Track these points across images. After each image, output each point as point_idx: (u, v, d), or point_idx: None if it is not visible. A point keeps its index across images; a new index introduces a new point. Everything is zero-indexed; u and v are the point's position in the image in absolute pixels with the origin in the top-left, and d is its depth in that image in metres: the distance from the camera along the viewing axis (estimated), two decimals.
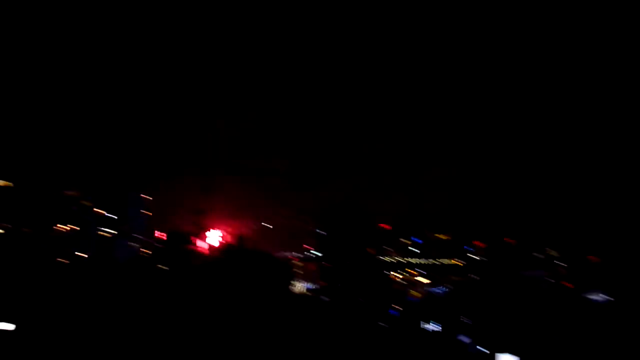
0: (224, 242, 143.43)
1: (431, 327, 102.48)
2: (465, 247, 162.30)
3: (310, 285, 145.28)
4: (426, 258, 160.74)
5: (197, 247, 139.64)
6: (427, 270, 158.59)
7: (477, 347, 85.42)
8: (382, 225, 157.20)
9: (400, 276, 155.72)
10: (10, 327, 59.28)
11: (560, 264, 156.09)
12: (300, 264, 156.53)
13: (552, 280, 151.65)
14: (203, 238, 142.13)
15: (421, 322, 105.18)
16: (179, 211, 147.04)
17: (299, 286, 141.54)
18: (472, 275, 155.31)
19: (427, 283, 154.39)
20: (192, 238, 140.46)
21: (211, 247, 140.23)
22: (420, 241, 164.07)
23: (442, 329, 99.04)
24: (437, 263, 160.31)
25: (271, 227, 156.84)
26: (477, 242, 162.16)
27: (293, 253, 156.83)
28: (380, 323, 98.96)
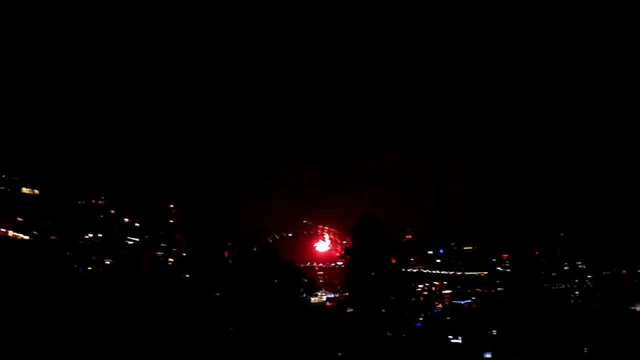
0: (248, 251, 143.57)
1: (454, 340, 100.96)
2: (493, 259, 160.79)
3: (331, 295, 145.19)
4: (451, 269, 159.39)
5: (222, 255, 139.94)
6: (452, 282, 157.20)
7: None
8: (407, 236, 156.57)
9: (423, 287, 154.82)
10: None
11: (588, 276, 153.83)
12: (323, 273, 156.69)
13: (578, 293, 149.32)
14: (228, 247, 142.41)
15: (444, 335, 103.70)
16: (206, 220, 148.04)
17: (320, 296, 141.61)
18: (498, 288, 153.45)
19: (451, 294, 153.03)
20: (217, 247, 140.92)
21: (235, 255, 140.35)
22: (444, 252, 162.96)
23: (465, 342, 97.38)
24: (462, 274, 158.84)
25: (296, 237, 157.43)
26: (504, 255, 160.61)
27: (316, 263, 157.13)
28: (403, 335, 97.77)
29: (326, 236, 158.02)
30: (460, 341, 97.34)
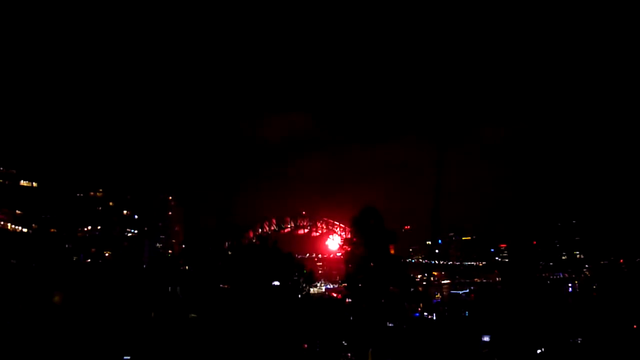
0: (247, 242, 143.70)
1: (454, 329, 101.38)
2: (491, 249, 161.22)
3: (330, 286, 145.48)
4: (449, 260, 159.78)
5: (221, 247, 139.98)
6: (450, 272, 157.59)
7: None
8: (406, 227, 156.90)
9: (422, 277, 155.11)
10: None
11: (586, 265, 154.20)
12: (322, 264, 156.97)
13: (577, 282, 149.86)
14: (228, 239, 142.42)
15: (444, 324, 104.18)
16: (204, 211, 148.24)
17: (319, 286, 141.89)
18: (496, 278, 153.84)
19: (450, 285, 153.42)
20: (216, 238, 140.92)
21: (235, 247, 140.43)
22: (443, 243, 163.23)
23: (464, 331, 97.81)
24: (461, 264, 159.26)
25: (295, 228, 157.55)
26: (502, 244, 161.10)
27: (315, 254, 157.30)
28: (402, 324, 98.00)
29: (325, 226, 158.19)
30: (458, 330, 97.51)
